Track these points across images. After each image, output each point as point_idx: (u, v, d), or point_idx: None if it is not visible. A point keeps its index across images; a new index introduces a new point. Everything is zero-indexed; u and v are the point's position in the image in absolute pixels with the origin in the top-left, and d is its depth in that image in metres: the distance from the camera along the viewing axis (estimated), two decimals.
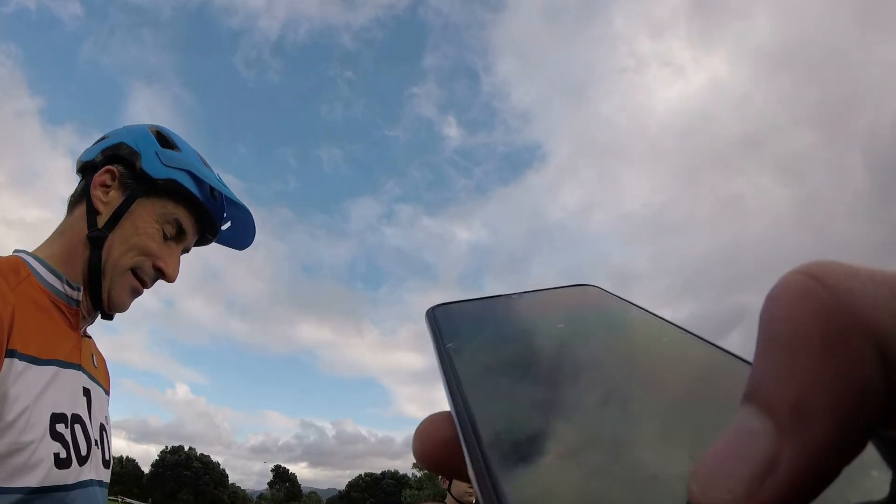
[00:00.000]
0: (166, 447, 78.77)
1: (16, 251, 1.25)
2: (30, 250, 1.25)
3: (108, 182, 1.28)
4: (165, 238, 1.31)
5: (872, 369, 0.14)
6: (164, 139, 1.35)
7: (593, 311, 0.28)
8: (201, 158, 1.39)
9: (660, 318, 0.25)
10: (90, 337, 1.35)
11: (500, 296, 0.32)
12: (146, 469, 77.71)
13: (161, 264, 1.30)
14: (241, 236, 1.51)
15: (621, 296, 0.29)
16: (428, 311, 0.30)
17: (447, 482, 3.48)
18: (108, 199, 1.27)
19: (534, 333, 0.26)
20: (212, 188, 1.35)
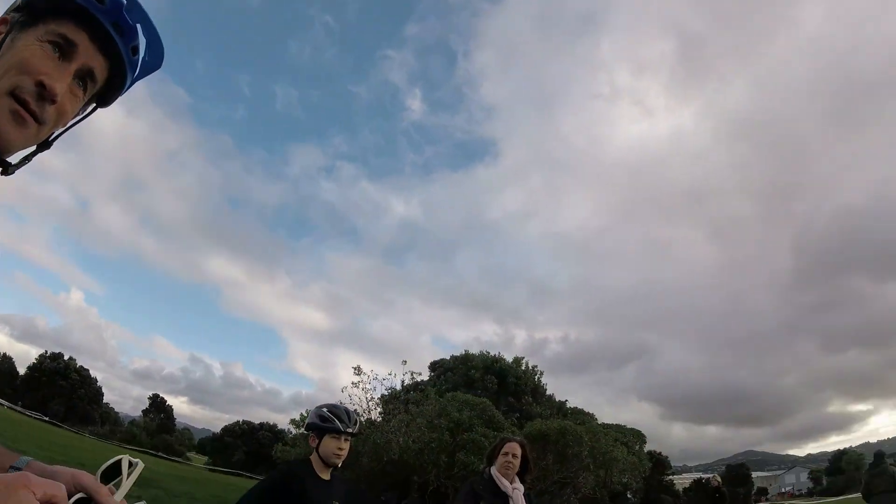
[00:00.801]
0: (46, 352, 76.50)
1: None
2: None
3: (1, 31, 1.19)
4: (58, 58, 1.18)
5: None
6: None
7: None
8: None
9: None
10: None
11: None
12: (22, 371, 75.28)
13: (42, 78, 1.14)
14: (150, 51, 1.32)
15: None
16: None
17: (316, 441, 3.61)
18: None
19: None
20: None
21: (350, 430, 3.57)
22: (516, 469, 4.61)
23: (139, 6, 1.24)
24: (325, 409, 3.63)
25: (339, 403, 3.85)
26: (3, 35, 1.18)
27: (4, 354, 76.82)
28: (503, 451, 4.62)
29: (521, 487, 4.62)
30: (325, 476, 3.60)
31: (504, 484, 4.51)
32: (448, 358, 34.62)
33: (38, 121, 1.16)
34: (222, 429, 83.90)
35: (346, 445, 3.61)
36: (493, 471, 4.59)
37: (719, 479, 16.89)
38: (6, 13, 1.22)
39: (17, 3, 1.22)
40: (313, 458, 3.62)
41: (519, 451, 4.63)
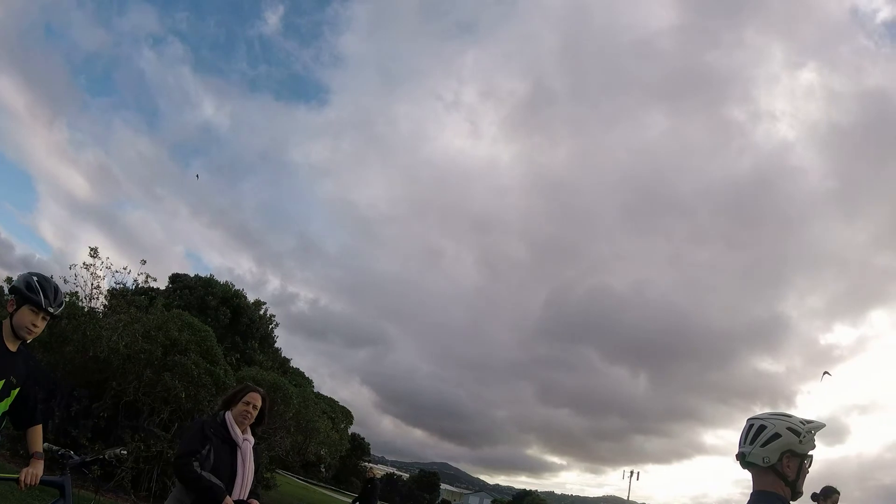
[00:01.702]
0: None
1: None
2: None
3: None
4: None
5: None
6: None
7: None
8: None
9: None
10: None
11: None
12: None
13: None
14: None
15: None
16: None
17: (14, 307, 3.40)
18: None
19: None
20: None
21: (51, 310, 3.43)
22: (252, 420, 4.50)
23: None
24: (34, 279, 3.46)
25: (53, 278, 3.63)
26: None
27: None
28: (244, 399, 4.47)
29: (252, 440, 4.53)
30: (12, 347, 3.42)
31: (236, 432, 4.37)
32: (192, 276, 33.42)
33: None
34: None
35: (42, 324, 3.46)
36: (229, 416, 4.42)
37: (375, 473, 17.85)
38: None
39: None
40: (4, 324, 3.41)
41: (259, 403, 4.52)
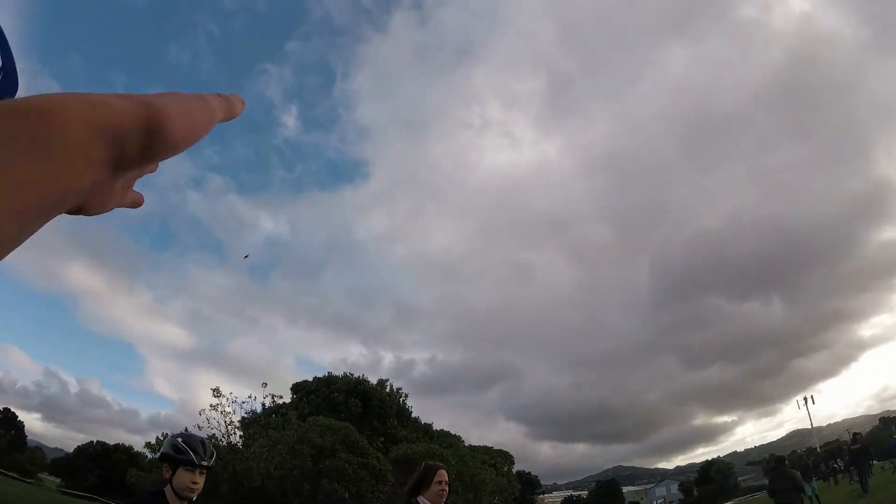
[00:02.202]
0: None
1: None
2: None
3: None
4: None
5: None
6: None
7: None
8: None
9: None
10: None
11: None
12: None
13: None
14: (5, 78, 1.13)
15: None
16: None
17: (170, 472, 3.37)
18: None
19: None
20: None
21: (205, 464, 3.40)
22: (446, 497, 4.40)
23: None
24: (179, 440, 3.42)
25: (195, 432, 3.65)
26: None
27: None
28: (437, 479, 4.35)
29: None
30: None
31: None
32: (311, 380, 33.88)
33: None
34: (76, 449, 79.21)
35: (200, 479, 3.41)
36: (423, 500, 4.34)
37: None
38: None
39: None
40: (167, 490, 3.36)
41: (446, 478, 4.41)
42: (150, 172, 0.57)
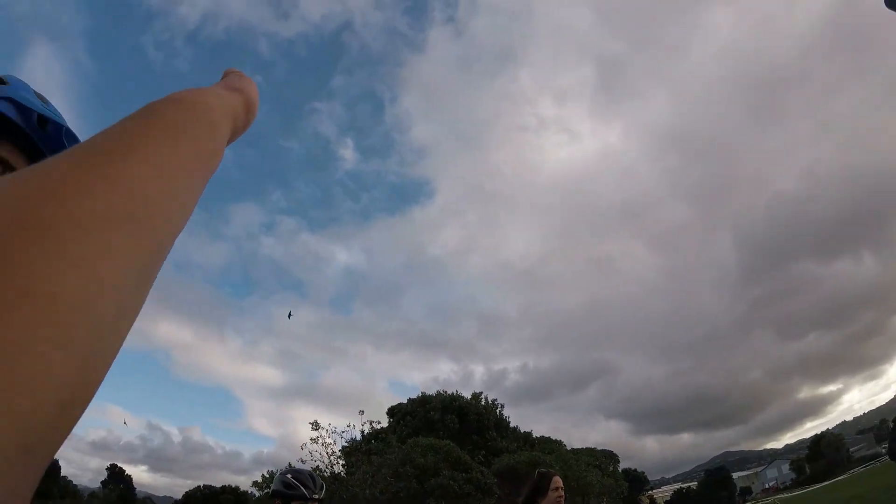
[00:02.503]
0: None
1: None
2: None
3: None
4: None
5: None
6: None
7: None
8: (39, 95, 1.23)
9: None
10: None
11: None
12: None
13: None
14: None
15: None
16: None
17: None
18: None
19: None
20: (41, 116, 1.18)
21: (316, 496, 3.52)
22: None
23: (76, 138, 1.22)
24: (289, 476, 3.56)
25: (302, 465, 3.65)
26: None
27: None
28: (553, 485, 4.35)
29: None
30: None
31: None
32: (406, 402, 34.00)
33: None
34: (184, 495, 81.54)
35: None
36: None
37: (643, 500, 16.63)
38: None
39: None
40: None
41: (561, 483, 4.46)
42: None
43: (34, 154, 1.18)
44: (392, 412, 34.20)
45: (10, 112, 1.14)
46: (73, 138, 1.22)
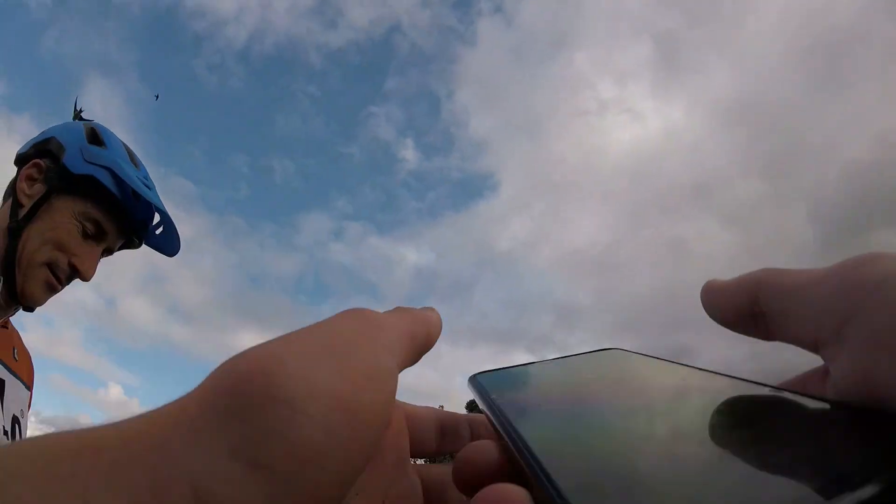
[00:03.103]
0: None
1: None
2: None
3: (35, 175, 1.27)
4: (86, 236, 1.27)
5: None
6: (94, 136, 1.33)
7: (620, 371, 0.30)
8: (132, 156, 1.36)
9: (678, 363, 0.28)
10: (8, 327, 1.34)
11: (531, 363, 0.34)
12: None
13: (76, 262, 1.25)
14: (167, 242, 1.44)
15: (641, 352, 0.31)
16: (470, 378, 0.32)
17: None
18: (31, 192, 1.25)
19: (570, 396, 0.27)
20: (135, 192, 1.30)
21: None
22: None
23: (165, 213, 1.36)
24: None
25: None
26: (38, 185, 1.26)
27: None
28: None
29: None
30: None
31: None
32: None
33: (63, 286, 1.28)
34: None
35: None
36: None
37: None
38: (41, 156, 1.28)
39: (54, 155, 1.27)
40: None
41: None
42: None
43: (122, 219, 1.31)
44: (471, 407, 34.31)
45: (109, 183, 1.26)
46: (165, 220, 1.37)
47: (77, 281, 1.32)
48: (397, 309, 0.33)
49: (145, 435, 0.20)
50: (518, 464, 0.19)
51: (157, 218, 1.38)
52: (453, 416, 0.40)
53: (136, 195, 1.30)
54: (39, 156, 1.28)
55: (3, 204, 1.28)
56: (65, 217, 1.24)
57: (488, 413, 0.25)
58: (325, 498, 0.21)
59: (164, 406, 0.21)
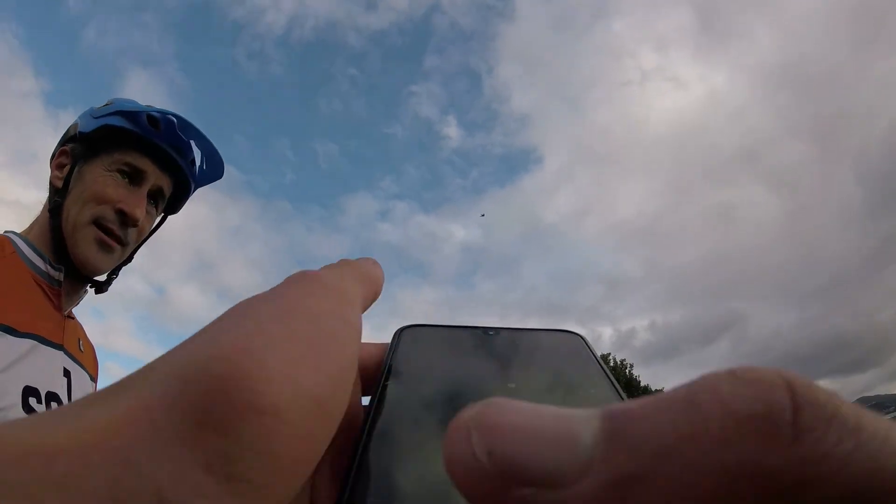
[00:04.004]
0: None
1: (5, 232, 1.26)
2: (19, 231, 1.28)
3: (64, 161, 1.31)
4: (125, 182, 1.28)
5: None
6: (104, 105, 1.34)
7: (554, 371, 0.27)
8: (146, 107, 1.34)
9: (613, 384, 0.24)
10: (74, 318, 1.35)
11: (474, 328, 0.31)
12: None
13: (121, 206, 1.25)
14: (210, 164, 1.45)
15: (596, 354, 0.28)
16: (396, 331, 0.31)
17: None
18: (62, 174, 1.29)
19: (482, 378, 0.26)
20: (149, 116, 1.30)
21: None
22: None
23: (189, 124, 1.34)
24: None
25: None
26: (68, 167, 1.29)
27: None
28: None
29: None
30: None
31: None
32: None
33: (122, 244, 1.28)
34: None
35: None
36: None
37: None
38: (64, 144, 1.32)
39: (74, 134, 1.31)
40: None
41: None
42: None
43: (156, 153, 1.31)
44: None
45: (122, 122, 1.28)
46: (187, 127, 1.34)
47: (126, 270, 1.38)
48: (342, 263, 0.33)
49: (104, 443, 0.18)
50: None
51: (192, 148, 1.40)
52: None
53: (152, 120, 1.30)
54: (63, 145, 1.33)
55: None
56: (96, 174, 1.26)
57: (381, 376, 0.25)
58: (296, 496, 0.21)
59: (123, 402, 0.19)
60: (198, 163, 1.42)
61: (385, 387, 0.23)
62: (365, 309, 0.36)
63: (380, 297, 0.41)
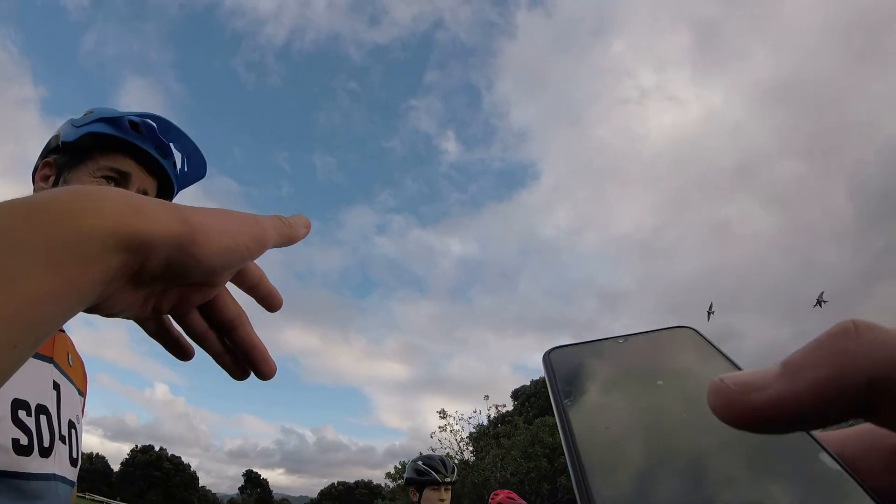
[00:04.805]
0: (136, 446, 78.62)
1: None
2: None
3: (48, 173, 1.31)
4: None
5: (856, 380, 0.21)
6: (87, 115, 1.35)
7: (687, 363, 0.31)
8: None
9: (734, 363, 0.30)
10: (63, 332, 1.34)
11: (606, 339, 0.34)
12: (116, 467, 77.39)
13: None
14: (192, 163, 1.47)
15: (711, 340, 0.33)
16: (544, 355, 0.32)
17: (417, 495, 3.58)
18: (48, 185, 1.29)
19: (637, 388, 0.29)
20: (131, 121, 1.31)
21: (448, 480, 3.60)
22: None
23: (171, 125, 1.35)
24: (420, 463, 3.66)
25: (432, 452, 3.70)
26: (52, 177, 1.29)
27: (96, 454, 79.22)
28: None
29: None
30: None
31: None
32: (529, 384, 34.16)
33: None
34: (319, 493, 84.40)
35: (447, 495, 3.59)
36: None
37: None
38: (47, 156, 1.32)
39: (56, 145, 1.31)
40: None
41: None
42: (202, 300, 0.52)
43: (140, 156, 1.32)
44: (516, 395, 34.28)
45: (106, 129, 1.28)
46: (168, 128, 1.35)
47: None
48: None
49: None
50: (569, 459, 0.21)
51: (175, 151, 1.41)
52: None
53: (133, 125, 1.32)
54: (46, 157, 1.34)
55: None
56: (83, 181, 1.27)
57: (552, 397, 0.27)
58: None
59: None
60: (179, 164, 1.44)
61: (565, 405, 0.25)
62: (273, 243, 0.48)
63: (296, 244, 0.54)
